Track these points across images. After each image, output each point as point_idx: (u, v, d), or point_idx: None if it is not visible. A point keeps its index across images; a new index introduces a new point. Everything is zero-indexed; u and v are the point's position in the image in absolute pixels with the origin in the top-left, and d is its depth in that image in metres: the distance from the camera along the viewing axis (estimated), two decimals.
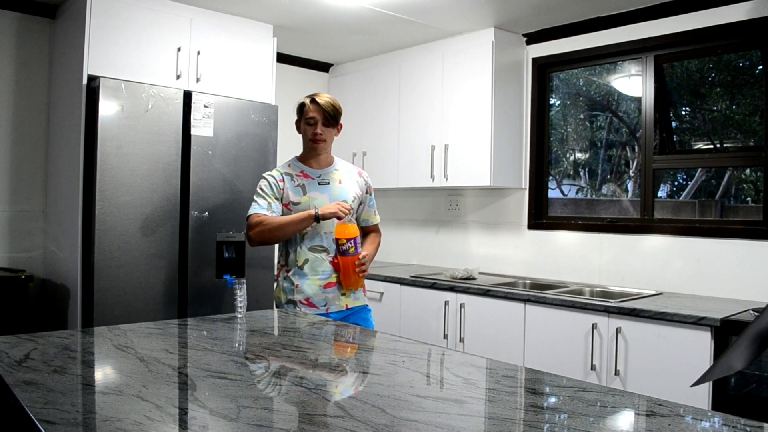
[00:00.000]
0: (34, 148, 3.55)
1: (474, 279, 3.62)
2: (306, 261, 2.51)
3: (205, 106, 3.31)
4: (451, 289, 3.47)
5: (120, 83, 3.06)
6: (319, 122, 2.54)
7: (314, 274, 2.52)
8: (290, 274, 2.54)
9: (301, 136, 2.64)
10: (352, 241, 2.45)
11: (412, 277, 3.71)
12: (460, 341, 3.42)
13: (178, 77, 3.37)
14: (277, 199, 2.52)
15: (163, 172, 3.18)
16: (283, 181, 2.55)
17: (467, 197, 4.25)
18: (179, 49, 3.37)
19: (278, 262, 2.64)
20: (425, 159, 4.02)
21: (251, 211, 2.51)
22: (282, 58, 4.39)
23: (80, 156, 3.06)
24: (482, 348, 3.28)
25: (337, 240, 2.47)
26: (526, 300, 3.12)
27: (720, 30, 3.10)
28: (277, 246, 2.59)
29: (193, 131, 3.27)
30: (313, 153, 2.60)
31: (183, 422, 1.19)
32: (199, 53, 3.44)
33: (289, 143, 4.48)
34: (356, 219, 2.65)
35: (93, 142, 3.01)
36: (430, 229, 4.46)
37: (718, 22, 3.10)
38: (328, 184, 2.58)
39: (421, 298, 3.62)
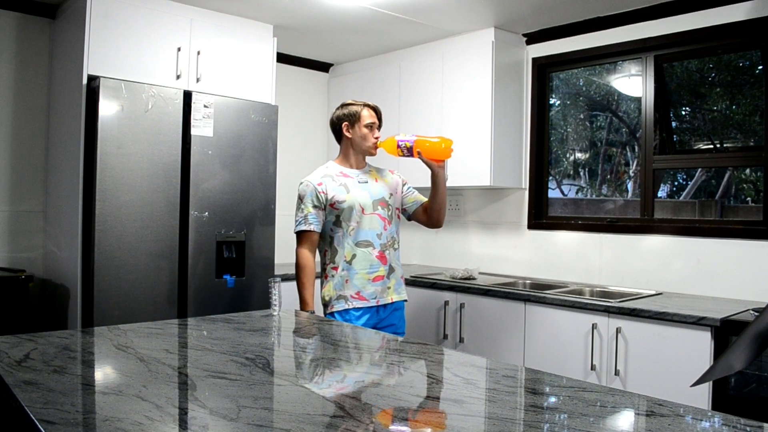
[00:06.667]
0: (34, 148, 3.55)
1: (474, 279, 3.62)
2: (354, 256, 2.63)
3: (205, 106, 3.31)
4: (451, 288, 3.47)
5: (120, 83, 3.06)
6: (376, 127, 2.74)
7: (362, 268, 2.64)
8: (339, 270, 2.64)
9: (346, 140, 2.75)
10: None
11: (412, 277, 3.71)
12: (460, 341, 3.42)
13: (178, 77, 3.37)
14: (315, 207, 2.62)
15: (163, 172, 3.18)
16: (322, 184, 2.64)
17: (467, 197, 4.25)
18: (179, 49, 3.37)
19: (323, 263, 2.72)
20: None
21: (297, 227, 2.65)
22: (282, 58, 4.39)
23: (80, 156, 3.06)
24: (482, 348, 3.28)
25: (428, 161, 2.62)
26: (526, 300, 3.12)
27: (720, 30, 3.10)
28: (317, 249, 2.75)
29: (193, 131, 3.28)
30: (364, 155, 2.75)
31: (183, 422, 1.19)
32: (199, 53, 3.44)
33: (289, 143, 4.49)
34: (404, 207, 2.84)
35: (93, 142, 3.01)
36: (430, 229, 4.47)
37: (718, 22, 3.10)
38: (367, 182, 2.72)
39: (421, 298, 3.62)
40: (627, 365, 2.75)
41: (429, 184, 2.72)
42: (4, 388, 1.34)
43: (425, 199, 2.84)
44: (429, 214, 2.79)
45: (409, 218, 2.89)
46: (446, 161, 2.67)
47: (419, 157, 2.61)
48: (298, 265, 2.64)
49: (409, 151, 2.62)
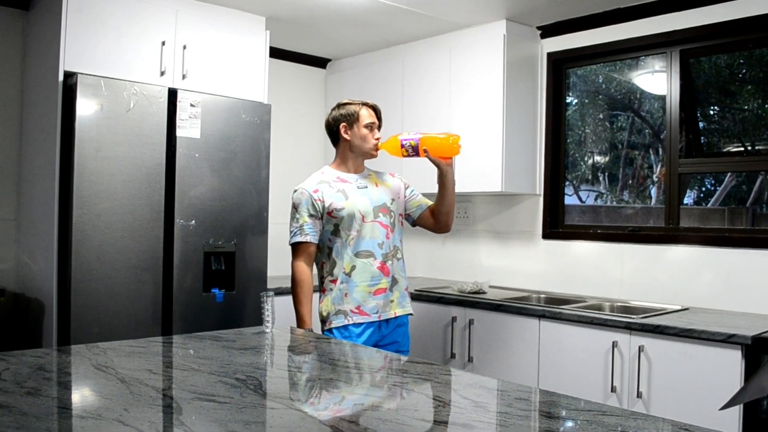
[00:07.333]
0: (5, 151, 3.56)
1: (484, 293, 3.62)
2: (353, 267, 2.63)
3: (191, 105, 3.33)
4: (459, 303, 3.48)
5: (99, 80, 3.07)
6: (376, 127, 2.77)
7: (363, 281, 2.64)
8: (337, 283, 2.64)
9: (344, 142, 2.76)
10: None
11: (417, 290, 3.71)
12: (468, 360, 3.42)
13: (162, 74, 3.39)
14: (311, 216, 2.63)
15: (146, 177, 3.19)
16: (318, 191, 2.65)
17: (477, 204, 4.26)
18: (163, 43, 3.39)
19: (321, 276, 2.73)
20: (430, 162, 4.02)
21: (292, 238, 2.66)
22: (275, 52, 4.41)
23: (56, 159, 3.07)
24: (493, 368, 3.28)
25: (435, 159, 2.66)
26: (541, 315, 3.12)
27: (751, 22, 3.11)
28: (314, 262, 2.76)
29: (179, 132, 3.29)
30: (364, 157, 2.78)
31: None
32: (185, 48, 3.46)
33: (283, 145, 4.50)
34: (408, 212, 2.86)
35: (70, 144, 3.02)
36: (436, 238, 4.47)
37: (750, 13, 3.11)
38: (366, 188, 2.74)
39: (426, 313, 3.62)
40: (650, 387, 2.74)
41: (434, 190, 2.73)
42: None
43: (430, 203, 2.85)
44: (436, 217, 2.80)
45: (414, 224, 2.90)
46: (453, 159, 2.69)
47: (426, 156, 2.62)
48: (294, 280, 2.64)
49: (414, 150, 2.63)
